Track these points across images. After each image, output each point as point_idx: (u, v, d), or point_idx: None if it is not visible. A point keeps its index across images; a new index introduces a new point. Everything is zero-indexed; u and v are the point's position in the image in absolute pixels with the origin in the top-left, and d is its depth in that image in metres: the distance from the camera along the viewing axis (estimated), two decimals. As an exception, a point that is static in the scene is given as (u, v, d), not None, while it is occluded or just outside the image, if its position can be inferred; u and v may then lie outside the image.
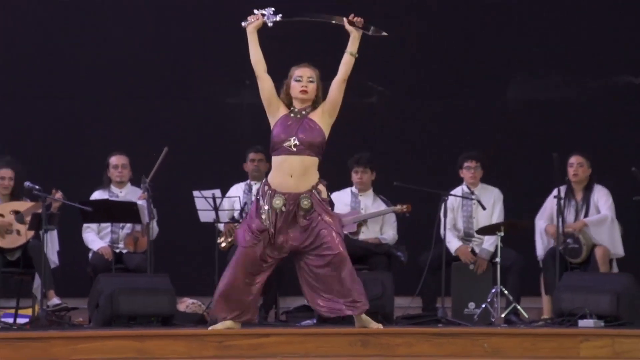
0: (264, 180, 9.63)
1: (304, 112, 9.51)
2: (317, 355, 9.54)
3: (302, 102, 9.51)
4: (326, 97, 9.54)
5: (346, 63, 9.48)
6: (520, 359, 9.59)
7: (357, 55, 9.48)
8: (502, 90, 13.47)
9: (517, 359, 9.60)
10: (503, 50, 13.37)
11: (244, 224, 9.65)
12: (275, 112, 9.54)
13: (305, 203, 9.44)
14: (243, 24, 9.60)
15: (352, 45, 9.49)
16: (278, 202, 9.44)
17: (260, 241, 9.52)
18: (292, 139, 9.41)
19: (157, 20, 13.33)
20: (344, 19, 9.58)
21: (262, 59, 9.53)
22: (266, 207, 9.48)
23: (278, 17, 9.59)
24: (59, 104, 13.21)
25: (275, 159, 9.49)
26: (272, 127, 9.54)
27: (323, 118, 9.50)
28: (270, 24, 9.57)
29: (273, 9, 9.58)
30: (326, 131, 9.50)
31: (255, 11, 9.61)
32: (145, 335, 9.68)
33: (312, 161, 9.46)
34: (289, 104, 9.55)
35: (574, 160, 11.55)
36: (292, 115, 9.51)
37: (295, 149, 9.41)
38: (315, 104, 9.53)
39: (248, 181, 11.85)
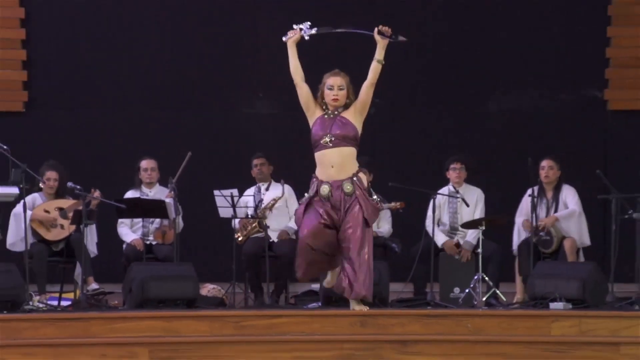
0: (312, 175, 9.65)
1: (336, 112, 9.58)
2: (322, 334, 9.63)
3: (334, 106, 9.62)
4: (357, 97, 9.61)
5: (374, 69, 9.55)
6: (499, 337, 9.66)
7: (384, 62, 9.54)
8: (484, 101, 13.48)
9: (496, 336, 9.66)
10: (486, 67, 13.38)
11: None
12: (313, 114, 9.62)
13: (348, 188, 9.53)
14: (284, 38, 9.62)
15: (379, 54, 9.54)
16: (325, 189, 9.52)
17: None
18: (327, 136, 9.48)
19: (182, 41, 13.34)
20: (375, 29, 9.59)
21: (299, 69, 9.58)
22: (310, 194, 9.56)
23: (313, 31, 9.59)
24: (98, 114, 13.26)
25: (316, 155, 9.58)
26: (311, 127, 9.62)
27: (355, 116, 9.59)
28: (307, 37, 9.59)
29: (309, 23, 9.61)
30: (358, 126, 9.62)
31: (294, 26, 9.62)
32: (172, 316, 9.80)
33: (350, 151, 9.58)
34: (323, 106, 9.63)
35: (545, 163, 11.56)
36: (326, 116, 9.58)
37: (331, 144, 9.49)
38: (347, 105, 9.61)
39: (257, 184, 11.89)
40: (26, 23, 13.26)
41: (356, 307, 9.74)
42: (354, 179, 9.57)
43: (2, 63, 13.24)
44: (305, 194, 9.71)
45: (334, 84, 9.59)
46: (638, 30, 13.28)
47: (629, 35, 13.31)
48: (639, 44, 13.30)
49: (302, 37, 9.59)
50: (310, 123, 9.63)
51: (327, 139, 9.48)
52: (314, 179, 9.62)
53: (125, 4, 13.40)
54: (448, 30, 13.43)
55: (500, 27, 13.43)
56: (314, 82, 9.71)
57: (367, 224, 9.56)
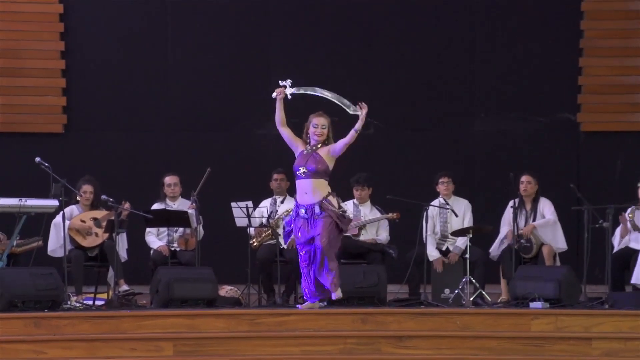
0: (295, 198, 10.06)
1: (314, 148, 9.90)
2: (327, 330, 9.63)
3: (317, 141, 9.90)
4: (335, 141, 9.91)
5: (351, 136, 9.80)
6: (484, 333, 9.66)
7: (360, 131, 9.76)
8: (470, 123, 13.43)
9: (482, 332, 9.67)
10: (472, 92, 13.36)
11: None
12: (296, 149, 9.97)
13: (317, 209, 9.79)
14: (273, 95, 9.88)
15: (359, 125, 9.74)
16: (302, 211, 9.86)
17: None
18: (302, 169, 9.84)
19: (204, 73, 13.35)
20: (356, 106, 9.76)
21: (284, 118, 9.91)
22: (293, 215, 9.96)
23: (294, 90, 9.86)
24: (128, 135, 13.26)
25: (296, 183, 9.94)
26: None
27: (327, 157, 9.90)
28: (289, 97, 9.87)
29: (290, 81, 9.85)
30: (330, 164, 9.88)
31: (280, 82, 9.87)
32: (194, 314, 9.81)
33: (319, 182, 9.86)
34: (307, 140, 9.95)
35: (524, 178, 11.48)
36: (305, 151, 9.91)
37: (304, 175, 9.83)
38: (326, 142, 9.92)
39: (273, 196, 11.86)
40: (65, 54, 13.26)
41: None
42: (324, 201, 9.86)
43: (44, 90, 13.27)
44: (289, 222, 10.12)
45: (318, 123, 9.93)
46: (606, 61, 13.27)
47: (599, 65, 13.29)
48: (607, 73, 13.28)
49: (286, 95, 9.88)
50: (295, 154, 9.99)
51: (302, 171, 9.84)
52: (295, 202, 9.98)
53: (151, 42, 13.39)
54: (440, 62, 13.39)
55: (485, 58, 13.40)
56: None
57: (338, 232, 9.86)
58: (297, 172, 9.86)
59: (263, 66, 13.39)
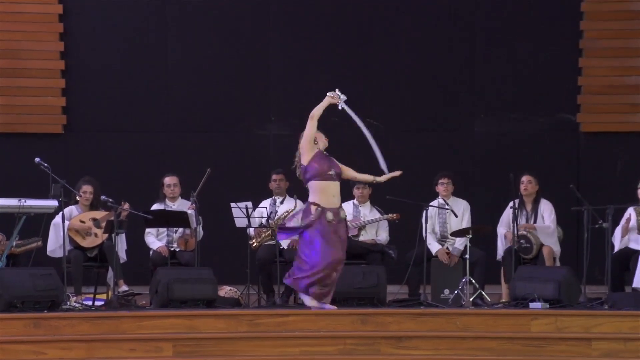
0: (308, 203, 10.02)
1: (327, 153, 10.12)
2: (327, 330, 9.62)
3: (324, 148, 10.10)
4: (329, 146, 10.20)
5: (365, 179, 10.25)
6: (484, 333, 9.66)
7: (376, 183, 10.20)
8: (470, 124, 13.45)
9: (482, 333, 9.67)
10: (472, 92, 13.37)
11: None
12: (313, 149, 9.98)
13: (343, 213, 10.05)
14: (328, 93, 10.00)
15: (380, 179, 10.11)
16: (330, 215, 9.91)
17: None
18: (331, 170, 9.97)
19: (203, 73, 13.37)
20: (387, 173, 10.10)
21: (320, 115, 9.94)
22: (312, 219, 9.90)
23: (345, 107, 9.98)
24: (127, 136, 13.28)
25: (319, 184, 9.94)
26: (308, 160, 9.96)
27: (342, 168, 10.13)
28: (339, 107, 10.00)
29: (345, 98, 10.00)
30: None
31: (337, 91, 10.02)
32: (194, 315, 9.80)
33: (339, 185, 10.06)
34: (315, 143, 10.08)
35: (524, 178, 11.47)
36: (325, 152, 10.08)
37: (336, 177, 9.97)
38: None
39: (273, 196, 11.86)
40: (65, 55, 13.27)
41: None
42: (342, 205, 10.12)
43: (44, 91, 13.28)
44: (298, 218, 10.06)
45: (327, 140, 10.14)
46: (606, 61, 13.29)
47: (598, 66, 13.31)
48: (607, 73, 13.30)
49: (337, 104, 10.04)
50: (309, 155, 9.98)
51: (332, 173, 9.95)
52: (314, 206, 9.91)
53: (151, 42, 13.41)
54: (440, 62, 13.41)
55: (485, 58, 13.42)
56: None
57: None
58: (329, 173, 9.93)
59: (263, 66, 13.41)
